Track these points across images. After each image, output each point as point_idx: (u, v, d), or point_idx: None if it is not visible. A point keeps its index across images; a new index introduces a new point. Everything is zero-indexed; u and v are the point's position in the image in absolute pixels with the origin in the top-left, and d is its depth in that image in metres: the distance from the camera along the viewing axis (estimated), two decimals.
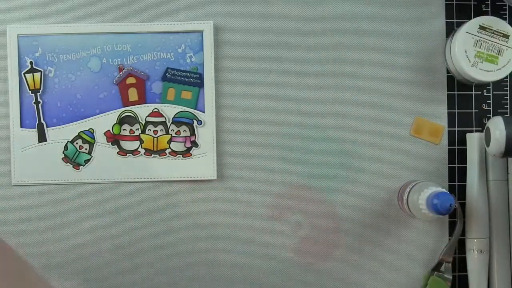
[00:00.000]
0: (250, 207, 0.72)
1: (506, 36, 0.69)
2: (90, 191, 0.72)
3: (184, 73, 0.72)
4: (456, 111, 0.73)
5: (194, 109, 0.71)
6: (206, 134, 0.71)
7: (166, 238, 0.72)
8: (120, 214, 0.72)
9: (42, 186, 0.71)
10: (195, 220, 0.72)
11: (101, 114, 0.71)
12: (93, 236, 0.72)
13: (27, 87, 0.71)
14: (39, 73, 0.71)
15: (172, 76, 0.71)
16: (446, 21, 0.73)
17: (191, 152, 0.71)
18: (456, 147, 0.73)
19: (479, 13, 0.73)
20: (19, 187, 0.71)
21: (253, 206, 0.72)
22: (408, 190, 0.68)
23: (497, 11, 0.73)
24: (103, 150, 0.71)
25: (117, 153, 0.71)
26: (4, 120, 0.72)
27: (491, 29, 0.68)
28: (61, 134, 0.71)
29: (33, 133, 0.71)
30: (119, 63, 0.72)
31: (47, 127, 0.71)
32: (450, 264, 0.71)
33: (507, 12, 0.73)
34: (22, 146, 0.71)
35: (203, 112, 0.72)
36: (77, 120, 0.71)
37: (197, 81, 0.71)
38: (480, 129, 0.73)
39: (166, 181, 0.72)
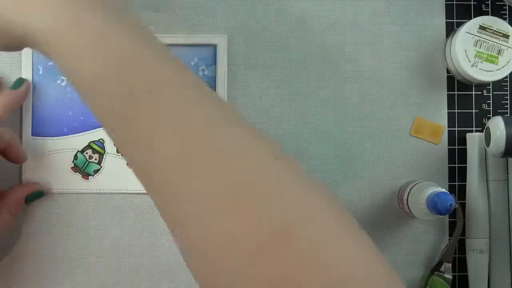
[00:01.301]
0: None
1: (506, 36, 0.69)
2: (98, 201, 0.72)
3: None
4: (456, 111, 0.73)
5: None
6: None
7: (166, 238, 0.72)
8: (127, 222, 0.72)
9: (50, 195, 0.71)
10: None
11: None
12: (100, 243, 0.72)
13: None
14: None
15: None
16: (446, 21, 0.73)
17: None
18: (456, 147, 0.73)
19: (479, 13, 0.73)
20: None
21: None
22: (408, 190, 0.68)
23: (497, 11, 0.73)
24: (113, 161, 0.71)
25: (127, 164, 0.71)
26: (16, 130, 0.71)
27: (491, 29, 0.68)
28: (71, 144, 0.71)
29: (44, 141, 0.71)
30: None
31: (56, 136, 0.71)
32: (450, 264, 0.71)
33: (507, 12, 0.73)
34: (33, 155, 0.71)
35: None
36: (88, 130, 0.71)
37: None
38: (480, 129, 0.73)
39: None
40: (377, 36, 0.73)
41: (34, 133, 0.71)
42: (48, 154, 0.71)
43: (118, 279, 0.72)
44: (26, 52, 0.71)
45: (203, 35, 0.72)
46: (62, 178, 0.71)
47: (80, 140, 0.71)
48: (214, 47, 0.72)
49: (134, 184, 0.71)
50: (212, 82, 0.71)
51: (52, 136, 0.71)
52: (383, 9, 0.73)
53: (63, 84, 0.71)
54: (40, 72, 0.71)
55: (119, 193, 0.72)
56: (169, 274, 0.72)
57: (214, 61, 0.72)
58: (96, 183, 0.71)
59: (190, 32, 0.72)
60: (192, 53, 0.72)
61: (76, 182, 0.71)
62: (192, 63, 0.72)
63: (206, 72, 0.72)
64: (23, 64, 0.71)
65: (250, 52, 0.72)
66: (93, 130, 0.71)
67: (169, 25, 0.72)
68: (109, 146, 0.71)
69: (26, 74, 0.71)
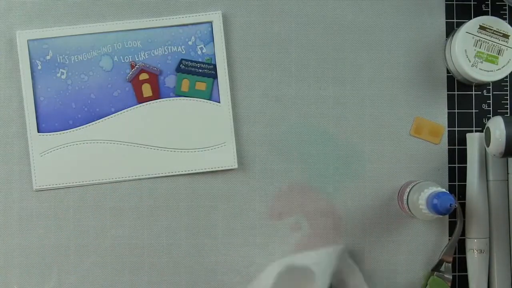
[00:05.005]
0: (250, 207, 0.72)
1: (506, 36, 0.69)
2: (108, 189, 0.72)
3: (198, 64, 0.71)
4: (456, 111, 0.73)
5: (209, 100, 0.71)
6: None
7: (165, 238, 0.72)
8: (127, 222, 0.72)
9: (61, 190, 0.71)
10: (194, 221, 0.72)
11: (117, 113, 0.71)
12: (100, 243, 0.72)
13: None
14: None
15: (186, 67, 0.71)
16: (446, 21, 0.73)
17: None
18: (456, 147, 0.73)
19: (479, 13, 0.73)
20: (41, 192, 0.71)
21: (252, 206, 0.72)
22: (408, 190, 0.68)
23: (497, 11, 0.73)
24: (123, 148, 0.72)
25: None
26: (21, 128, 0.72)
27: (491, 29, 0.68)
28: (78, 136, 0.71)
29: (51, 137, 0.71)
30: (130, 60, 0.72)
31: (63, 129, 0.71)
32: (450, 264, 0.71)
33: (507, 12, 0.73)
34: (41, 151, 0.71)
35: (219, 102, 0.72)
36: (94, 120, 0.71)
37: (211, 72, 0.71)
38: (480, 129, 0.73)
39: (167, 175, 0.72)
40: (377, 36, 0.73)
41: (40, 130, 0.71)
42: (56, 149, 0.71)
43: (118, 279, 0.72)
44: (23, 47, 0.71)
45: (198, 13, 0.72)
46: (73, 172, 0.71)
47: (87, 131, 0.71)
48: (210, 24, 0.72)
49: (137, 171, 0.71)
50: (212, 59, 0.72)
51: (58, 131, 0.71)
52: (383, 9, 0.73)
53: (63, 77, 0.71)
54: (39, 67, 0.71)
55: (130, 180, 0.72)
56: (169, 274, 0.72)
57: (212, 39, 0.72)
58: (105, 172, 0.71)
59: (186, 11, 0.72)
60: (189, 33, 0.72)
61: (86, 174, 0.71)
62: (190, 43, 0.72)
63: (204, 50, 0.72)
64: (20, 60, 0.71)
65: (248, 27, 0.72)
66: (98, 120, 0.71)
67: (163, 6, 0.72)
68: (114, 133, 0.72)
69: (25, 70, 0.70)
